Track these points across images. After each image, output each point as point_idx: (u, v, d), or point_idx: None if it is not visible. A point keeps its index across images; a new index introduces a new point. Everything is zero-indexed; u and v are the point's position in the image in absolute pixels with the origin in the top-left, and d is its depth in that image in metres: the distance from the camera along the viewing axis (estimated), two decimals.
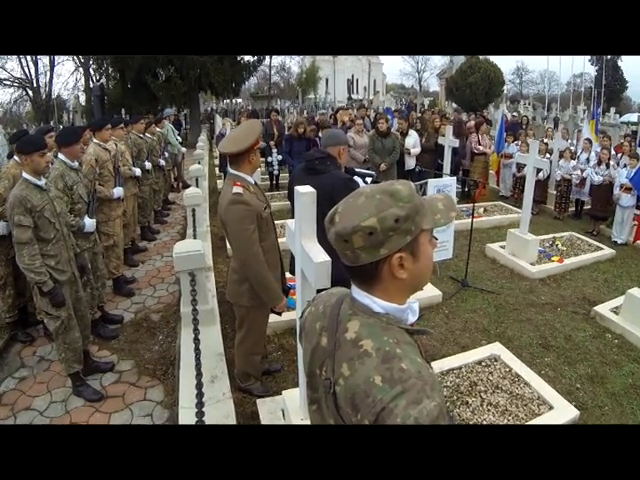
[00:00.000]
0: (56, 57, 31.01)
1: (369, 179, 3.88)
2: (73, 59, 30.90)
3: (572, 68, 42.98)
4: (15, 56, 29.56)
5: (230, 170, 3.27)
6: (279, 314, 3.60)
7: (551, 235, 7.75)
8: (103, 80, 24.10)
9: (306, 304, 1.54)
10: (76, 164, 4.36)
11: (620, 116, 29.83)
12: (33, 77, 31.30)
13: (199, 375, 2.82)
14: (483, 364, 4.17)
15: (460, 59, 35.90)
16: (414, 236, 1.11)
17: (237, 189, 3.08)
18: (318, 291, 2.09)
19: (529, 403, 3.69)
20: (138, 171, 6.62)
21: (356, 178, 3.71)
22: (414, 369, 1.04)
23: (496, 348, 4.40)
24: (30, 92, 31.89)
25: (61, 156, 4.22)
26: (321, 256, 1.91)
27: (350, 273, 1.19)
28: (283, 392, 3.40)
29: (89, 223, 4.35)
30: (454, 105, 31.31)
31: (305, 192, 2.16)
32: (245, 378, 3.74)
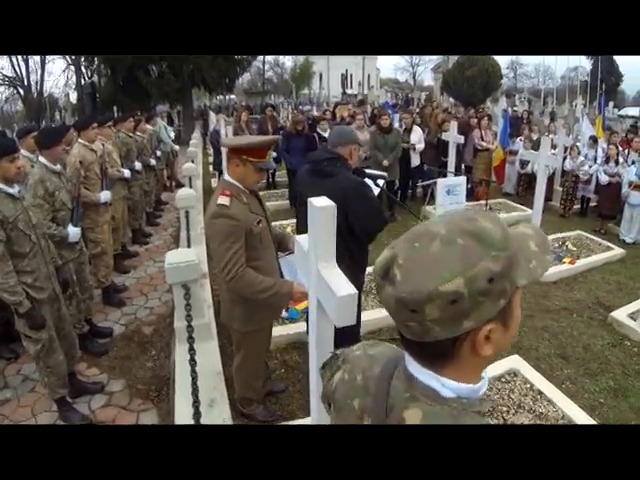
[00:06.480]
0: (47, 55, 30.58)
1: (381, 181, 3.57)
2: (64, 57, 30.40)
3: (567, 62, 42.77)
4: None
5: (224, 175, 2.92)
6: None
7: (560, 235, 7.46)
8: (94, 78, 23.60)
9: (330, 356, 1.22)
10: (58, 167, 4.00)
11: (618, 110, 29.64)
12: (24, 75, 30.76)
13: (196, 402, 2.53)
14: (503, 380, 3.89)
15: None
16: (509, 298, 0.78)
17: (222, 200, 2.69)
18: (339, 329, 1.75)
19: (554, 423, 3.42)
20: (127, 172, 6.22)
21: (367, 180, 3.40)
22: None
23: (515, 361, 4.11)
24: (21, 91, 31.34)
25: (42, 159, 3.86)
26: (345, 288, 1.51)
27: (409, 346, 0.86)
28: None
29: (73, 232, 3.99)
30: (451, 99, 30.94)
31: (323, 206, 1.68)
32: (247, 403, 3.40)
